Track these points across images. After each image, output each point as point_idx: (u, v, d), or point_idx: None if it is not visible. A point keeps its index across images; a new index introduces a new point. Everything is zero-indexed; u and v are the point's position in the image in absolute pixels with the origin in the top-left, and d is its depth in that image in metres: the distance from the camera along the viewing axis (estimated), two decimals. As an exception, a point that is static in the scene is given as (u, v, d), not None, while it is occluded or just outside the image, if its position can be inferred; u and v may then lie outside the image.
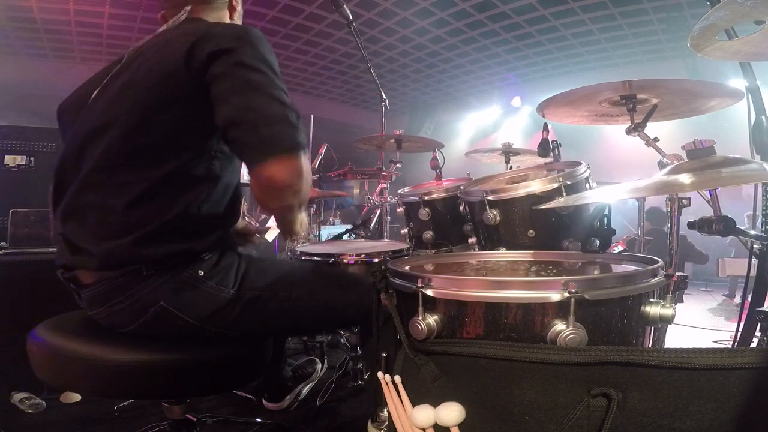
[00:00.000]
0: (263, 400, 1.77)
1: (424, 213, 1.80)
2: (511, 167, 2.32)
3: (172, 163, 0.98)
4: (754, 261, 1.64)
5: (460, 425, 0.73)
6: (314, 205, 2.85)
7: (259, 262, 1.15)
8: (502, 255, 1.22)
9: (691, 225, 1.07)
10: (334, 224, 5.21)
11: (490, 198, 1.33)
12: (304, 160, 0.94)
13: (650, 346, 0.87)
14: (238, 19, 1.25)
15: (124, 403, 1.77)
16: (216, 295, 1.03)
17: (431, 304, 0.81)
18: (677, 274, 1.03)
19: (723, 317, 4.20)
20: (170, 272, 1.00)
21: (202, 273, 1.02)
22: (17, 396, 1.75)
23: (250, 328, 1.10)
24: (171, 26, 1.10)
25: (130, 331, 1.03)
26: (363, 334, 1.30)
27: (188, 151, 1.00)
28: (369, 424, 1.04)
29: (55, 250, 1.10)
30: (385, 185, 2.60)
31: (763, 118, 1.53)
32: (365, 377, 1.99)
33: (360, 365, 2.01)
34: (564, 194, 1.26)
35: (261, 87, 0.93)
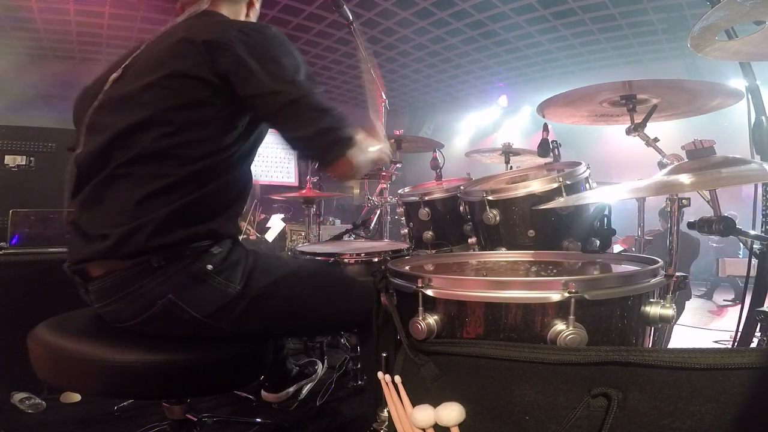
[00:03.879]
0: (262, 391, 1.76)
1: (424, 213, 1.80)
2: (511, 167, 2.32)
3: (202, 161, 1.01)
4: (754, 261, 1.64)
5: (460, 425, 0.73)
6: (314, 205, 2.85)
7: (265, 259, 1.16)
8: (502, 255, 1.22)
9: (691, 225, 1.07)
10: (334, 224, 5.22)
11: (490, 198, 1.33)
12: (355, 153, 1.06)
13: (650, 346, 0.87)
14: (253, 17, 1.25)
15: (124, 403, 1.77)
16: (223, 291, 1.03)
17: (431, 304, 0.81)
18: (677, 274, 1.03)
19: (723, 317, 4.20)
20: (179, 265, 1.00)
21: (211, 267, 1.02)
22: (17, 396, 1.75)
23: (253, 326, 1.10)
24: (190, 17, 1.10)
25: (134, 325, 1.02)
26: (362, 337, 1.30)
27: (214, 148, 1.03)
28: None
29: (55, 250, 1.10)
30: (385, 185, 2.60)
31: (763, 118, 1.53)
32: (365, 377, 1.99)
33: (360, 365, 2.01)
34: (564, 194, 1.26)
35: (300, 99, 1.00)
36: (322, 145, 1.04)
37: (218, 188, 1.06)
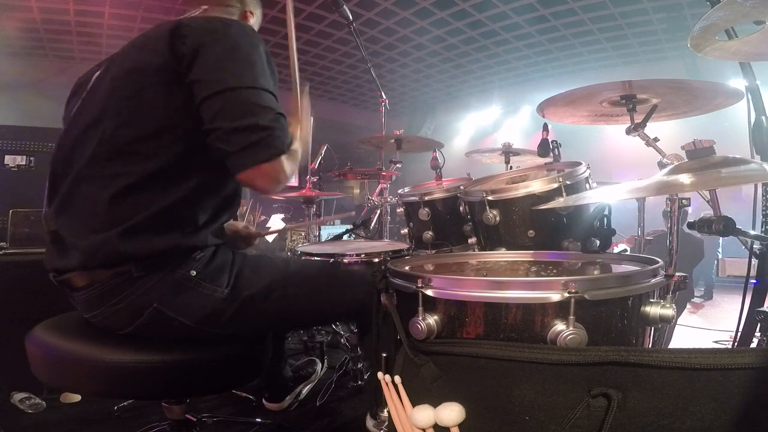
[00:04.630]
0: (263, 401, 1.77)
1: (424, 213, 1.80)
2: (511, 167, 2.32)
3: (164, 156, 0.97)
4: (755, 261, 1.64)
5: (460, 425, 0.73)
6: (314, 205, 2.85)
7: (252, 260, 1.13)
8: (502, 255, 1.22)
9: (690, 225, 1.07)
10: (334, 224, 5.22)
11: (490, 198, 1.33)
12: (283, 163, 0.94)
13: (650, 346, 0.87)
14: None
15: (124, 403, 1.77)
16: (210, 296, 1.02)
17: (431, 304, 0.81)
18: (677, 274, 1.03)
19: (723, 317, 4.20)
20: (161, 272, 0.98)
21: (195, 273, 1.00)
22: (17, 396, 1.75)
23: (245, 327, 1.09)
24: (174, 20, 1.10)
25: (127, 333, 1.02)
26: (361, 330, 1.29)
27: (180, 145, 0.98)
28: (368, 417, 1.03)
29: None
30: (385, 185, 2.60)
31: (763, 118, 1.53)
32: (365, 377, 1.99)
33: (360, 365, 2.01)
34: (564, 194, 1.25)
35: (235, 90, 0.92)
36: (242, 143, 0.90)
37: (193, 197, 1.01)
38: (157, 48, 0.95)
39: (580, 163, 1.37)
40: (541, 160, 1.75)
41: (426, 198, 1.81)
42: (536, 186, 1.30)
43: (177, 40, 0.95)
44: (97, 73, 1.07)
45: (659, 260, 0.89)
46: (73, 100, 1.12)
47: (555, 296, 0.72)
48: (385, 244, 1.98)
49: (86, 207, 0.98)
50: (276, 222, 4.56)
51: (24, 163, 2.18)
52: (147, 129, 0.96)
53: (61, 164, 1.04)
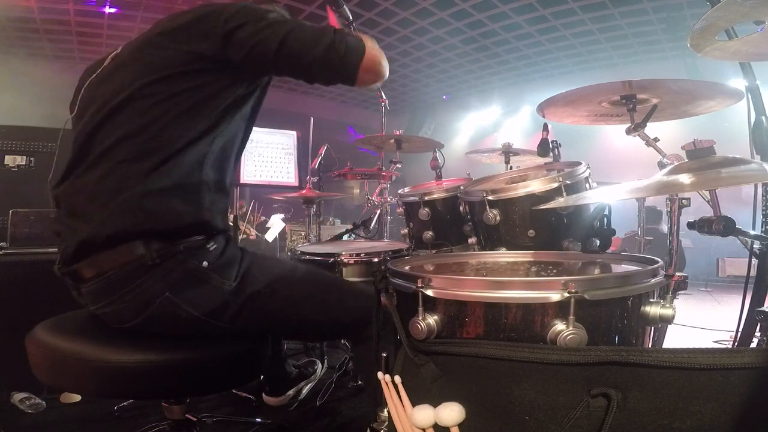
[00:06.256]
0: (263, 395, 1.76)
1: (424, 213, 1.80)
2: (511, 167, 2.32)
3: (198, 132, 1.03)
4: (755, 261, 1.64)
5: (460, 425, 0.73)
6: (314, 205, 2.86)
7: (261, 259, 1.15)
8: (502, 255, 1.22)
9: (691, 225, 1.07)
10: (334, 224, 5.22)
11: (490, 198, 1.33)
12: (373, 52, 1.05)
13: (650, 346, 0.87)
14: None
15: (124, 403, 1.77)
16: (218, 288, 1.03)
17: (431, 304, 0.81)
18: (677, 274, 1.03)
19: (723, 317, 4.20)
20: (175, 262, 0.99)
21: (207, 264, 1.02)
22: (17, 396, 1.75)
23: (248, 324, 1.10)
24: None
25: (133, 326, 1.02)
26: (357, 341, 1.30)
27: (213, 120, 1.05)
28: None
29: (54, 250, 1.09)
30: (385, 185, 2.60)
31: (763, 118, 1.53)
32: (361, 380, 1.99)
33: (355, 368, 2.01)
34: (564, 194, 1.25)
35: (289, 34, 1.01)
36: (337, 58, 1.02)
37: (202, 175, 1.05)
38: (208, 32, 1.01)
39: (580, 163, 1.37)
40: (541, 160, 1.75)
41: (426, 198, 1.81)
42: (536, 186, 1.29)
43: (210, 22, 1.01)
44: (115, 51, 1.09)
45: (659, 260, 0.90)
46: (86, 77, 1.14)
47: (555, 296, 0.72)
48: (385, 244, 1.98)
49: (102, 186, 0.99)
50: (276, 222, 4.55)
51: (24, 163, 2.18)
52: (176, 110, 1.01)
53: (83, 143, 1.04)
